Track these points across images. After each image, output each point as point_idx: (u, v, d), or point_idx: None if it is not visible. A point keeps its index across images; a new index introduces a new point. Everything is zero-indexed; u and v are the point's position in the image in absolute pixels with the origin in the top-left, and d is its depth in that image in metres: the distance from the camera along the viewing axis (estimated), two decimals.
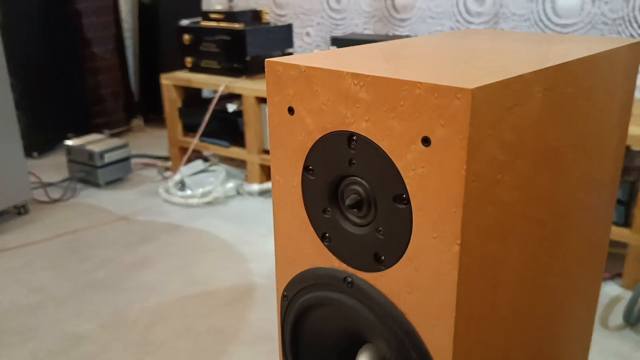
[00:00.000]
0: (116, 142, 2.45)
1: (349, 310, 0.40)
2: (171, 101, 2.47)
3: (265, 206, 2.25)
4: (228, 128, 2.36)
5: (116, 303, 1.62)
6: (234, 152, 2.37)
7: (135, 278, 1.74)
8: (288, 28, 2.46)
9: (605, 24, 2.47)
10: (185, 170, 2.38)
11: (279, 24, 2.67)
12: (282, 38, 2.46)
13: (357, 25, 3.10)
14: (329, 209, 0.40)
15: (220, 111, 2.35)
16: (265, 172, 2.34)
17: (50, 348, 1.43)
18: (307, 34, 3.30)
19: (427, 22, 2.90)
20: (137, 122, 3.29)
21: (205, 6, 3.56)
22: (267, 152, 2.30)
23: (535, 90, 0.36)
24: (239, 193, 2.35)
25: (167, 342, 1.45)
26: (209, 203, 2.26)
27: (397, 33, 2.99)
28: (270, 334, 1.47)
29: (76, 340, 1.46)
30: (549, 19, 2.58)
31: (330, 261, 0.41)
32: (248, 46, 2.29)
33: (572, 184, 0.45)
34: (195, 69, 2.45)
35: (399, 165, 0.34)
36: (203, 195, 2.26)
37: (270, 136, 0.43)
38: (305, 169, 0.40)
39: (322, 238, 0.41)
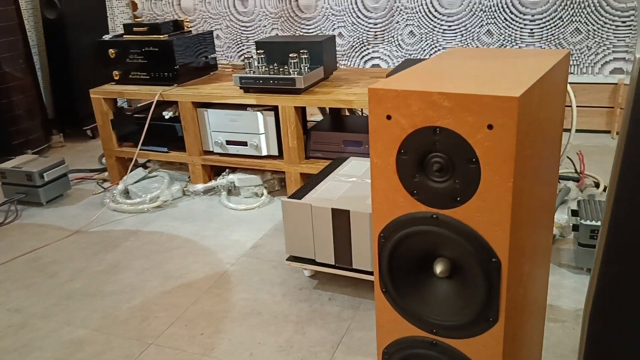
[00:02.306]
0: (51, 160, 2.48)
1: (433, 236, 0.64)
2: (103, 114, 2.54)
3: (212, 202, 2.42)
4: (165, 134, 2.49)
5: (102, 307, 1.73)
6: (175, 156, 2.50)
7: (112, 283, 1.86)
8: (209, 35, 2.62)
9: (483, 11, 2.89)
10: (127, 179, 2.48)
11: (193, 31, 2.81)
12: (205, 44, 2.61)
13: (265, 27, 3.31)
14: (417, 175, 0.64)
15: (156, 118, 2.47)
16: (207, 172, 2.50)
17: (53, 357, 1.53)
18: (217, 36, 3.45)
19: (330, 19, 3.18)
20: (57, 138, 3.27)
21: (111, 20, 3.57)
22: (207, 152, 2.45)
23: (536, 90, 0.62)
24: (185, 194, 2.49)
25: (165, 331, 1.60)
26: (159, 207, 2.38)
27: (304, 31, 3.24)
28: (255, 309, 1.67)
29: (76, 345, 1.57)
30: (436, 10, 2.96)
31: (419, 208, 0.65)
32: (176, 55, 2.42)
33: (547, 141, 0.73)
34: (124, 80, 2.54)
35: (471, 142, 0.59)
36: (152, 200, 2.37)
37: (370, 135, 0.65)
38: (399, 152, 0.64)
39: (412, 194, 0.65)
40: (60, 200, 2.52)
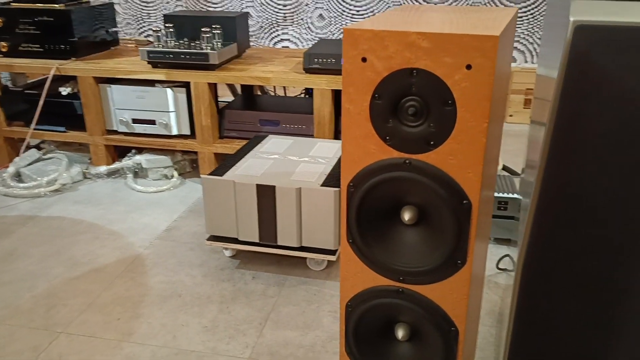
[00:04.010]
0: None
1: (405, 182, 0.64)
2: None
3: (117, 185, 2.27)
4: (62, 112, 2.29)
5: (0, 297, 1.56)
6: (74, 136, 2.32)
7: (10, 271, 1.68)
8: (110, 7, 2.45)
9: None
10: (19, 162, 2.26)
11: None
12: (105, 17, 2.44)
13: (168, 3, 3.15)
14: (390, 120, 0.63)
15: (51, 95, 2.27)
16: (111, 153, 2.35)
17: None
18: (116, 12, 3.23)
19: None
20: None
21: None
22: (111, 132, 2.30)
23: (503, 36, 0.64)
24: (86, 177, 2.31)
25: (75, 319, 1.48)
26: (57, 191, 2.20)
27: (210, 8, 3.14)
28: (175, 292, 1.60)
29: None
30: None
31: (391, 154, 0.64)
32: (74, 26, 2.24)
33: (502, 80, 0.76)
34: (13, 53, 2.30)
35: (448, 83, 0.59)
36: (49, 183, 2.18)
37: (343, 79, 0.63)
38: (373, 97, 0.62)
39: (384, 140, 0.64)
40: None
